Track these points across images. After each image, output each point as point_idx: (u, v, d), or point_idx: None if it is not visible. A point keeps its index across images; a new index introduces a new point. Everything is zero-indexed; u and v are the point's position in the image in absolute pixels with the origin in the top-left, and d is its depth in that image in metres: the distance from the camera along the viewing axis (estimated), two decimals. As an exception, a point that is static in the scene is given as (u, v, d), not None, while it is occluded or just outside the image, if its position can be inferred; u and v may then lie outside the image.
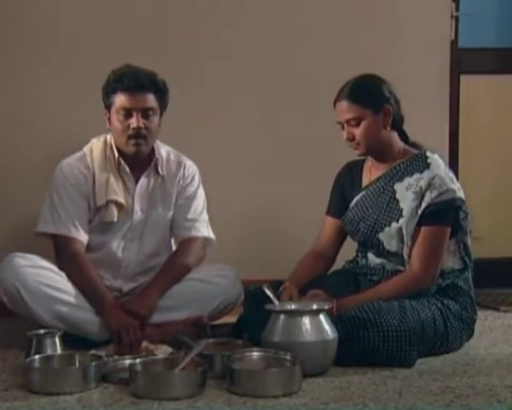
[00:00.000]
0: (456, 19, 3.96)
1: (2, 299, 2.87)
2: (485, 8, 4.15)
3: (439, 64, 3.87)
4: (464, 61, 4.02)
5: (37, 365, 2.46)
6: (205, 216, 3.15)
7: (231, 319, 3.00)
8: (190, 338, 2.66)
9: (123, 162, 3.02)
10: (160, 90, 2.99)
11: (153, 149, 3.05)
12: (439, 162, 2.87)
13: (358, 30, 3.78)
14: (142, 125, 2.92)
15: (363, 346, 2.59)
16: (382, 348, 2.60)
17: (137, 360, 2.44)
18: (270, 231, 3.75)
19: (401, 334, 2.61)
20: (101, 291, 2.90)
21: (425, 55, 3.84)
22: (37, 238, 3.02)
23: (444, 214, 2.80)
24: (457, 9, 3.95)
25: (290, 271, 2.97)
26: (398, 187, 2.87)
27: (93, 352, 2.59)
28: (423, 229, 2.80)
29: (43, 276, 2.86)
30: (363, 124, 2.84)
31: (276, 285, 2.80)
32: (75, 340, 2.79)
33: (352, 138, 2.86)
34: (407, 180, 2.85)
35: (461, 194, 2.84)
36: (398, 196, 2.86)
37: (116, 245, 3.04)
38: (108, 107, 2.98)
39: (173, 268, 3.00)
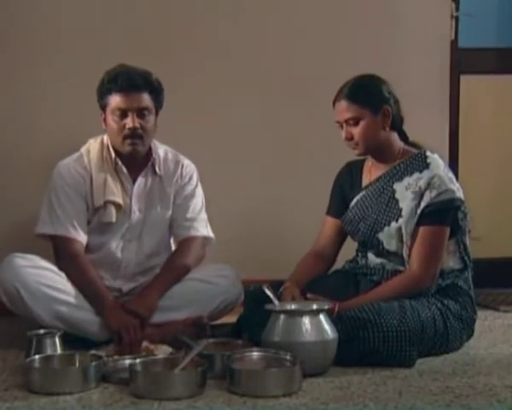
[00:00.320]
0: (456, 19, 3.96)
1: (2, 299, 2.87)
2: (485, 8, 4.15)
3: (439, 64, 3.87)
4: (464, 61, 4.02)
5: (37, 365, 2.46)
6: (204, 215, 3.15)
7: (231, 319, 3.00)
8: (190, 338, 2.66)
9: (120, 163, 3.02)
10: (155, 90, 2.99)
11: (150, 149, 3.05)
12: (438, 162, 2.87)
13: (358, 30, 3.78)
14: (137, 125, 2.92)
15: (363, 346, 2.60)
16: (382, 349, 2.60)
17: (137, 360, 2.44)
18: (270, 231, 3.75)
19: (401, 334, 2.61)
20: (101, 291, 2.90)
21: (425, 55, 3.83)
22: (37, 239, 3.02)
23: (443, 214, 2.80)
24: (457, 9, 3.95)
25: (290, 271, 2.97)
26: (398, 187, 2.87)
27: (93, 352, 2.59)
28: (422, 229, 2.80)
29: (42, 276, 2.86)
30: (361, 124, 2.84)
31: (276, 285, 2.80)
32: (75, 340, 2.79)
33: (350, 138, 2.86)
34: (407, 180, 2.85)
35: (460, 194, 2.84)
36: (397, 195, 2.86)
37: (115, 245, 3.04)
38: (103, 107, 2.98)
39: (173, 268, 3.00)
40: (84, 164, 3.04)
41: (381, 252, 2.90)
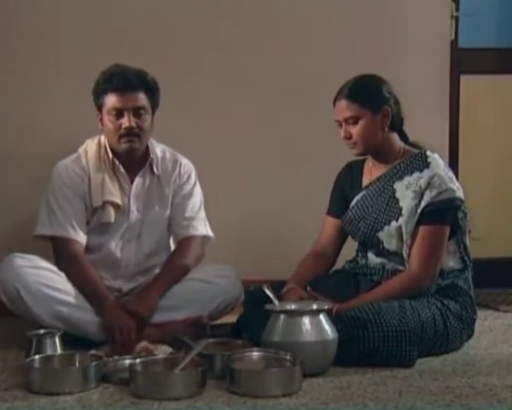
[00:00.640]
0: (456, 19, 3.96)
1: (2, 299, 2.87)
2: (485, 8, 4.15)
3: (439, 64, 3.87)
4: (464, 61, 4.02)
5: (37, 365, 2.46)
6: (202, 214, 3.15)
7: (231, 319, 3.00)
8: (190, 338, 2.66)
9: (117, 162, 3.02)
10: (151, 89, 2.99)
11: (147, 149, 3.05)
12: (438, 162, 2.87)
13: (358, 30, 3.77)
14: (134, 124, 2.92)
15: (363, 346, 2.60)
16: (382, 348, 2.60)
17: (137, 360, 2.44)
18: (270, 232, 3.75)
19: (401, 334, 2.61)
20: (102, 291, 2.90)
21: (425, 55, 3.83)
22: (37, 240, 3.01)
23: (443, 214, 2.80)
24: (457, 9, 3.95)
25: (290, 271, 2.97)
26: (398, 186, 2.87)
27: (93, 352, 2.59)
28: (422, 228, 2.80)
29: (42, 276, 2.86)
30: (360, 123, 2.84)
31: (276, 285, 2.80)
32: (75, 340, 2.78)
33: (349, 137, 2.87)
34: (407, 179, 2.86)
35: (460, 193, 2.84)
36: (397, 194, 2.86)
37: (114, 246, 3.04)
38: (100, 108, 2.99)
39: (172, 268, 3.00)
40: (81, 164, 3.04)
41: (381, 251, 2.90)
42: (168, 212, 3.10)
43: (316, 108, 3.64)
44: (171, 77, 3.50)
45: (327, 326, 2.54)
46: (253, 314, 2.80)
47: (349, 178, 3.04)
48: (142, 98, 2.96)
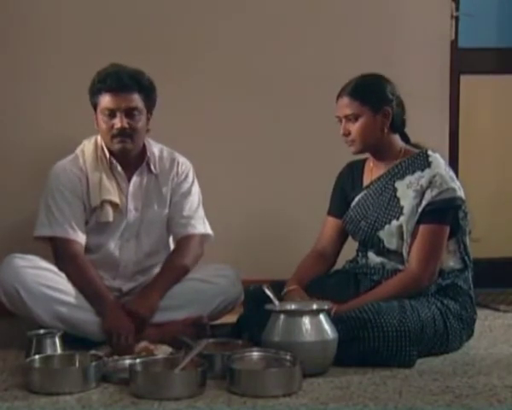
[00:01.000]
0: (456, 19, 3.95)
1: (1, 300, 2.87)
2: (485, 8, 4.15)
3: (439, 64, 3.87)
4: (464, 61, 4.02)
5: (37, 365, 2.46)
6: (201, 212, 3.14)
7: (231, 319, 3.00)
8: (190, 338, 2.67)
9: (115, 161, 3.02)
10: (146, 89, 2.99)
11: (144, 148, 3.05)
12: (440, 161, 2.87)
13: (358, 30, 3.77)
14: (126, 125, 2.92)
15: (363, 346, 2.60)
16: (382, 348, 2.60)
17: (137, 360, 2.45)
18: (270, 232, 3.75)
19: (401, 334, 2.61)
20: (102, 291, 2.90)
21: (425, 55, 3.83)
22: (36, 241, 3.01)
23: (443, 213, 2.80)
24: (457, 9, 3.95)
25: (290, 271, 2.97)
26: (399, 185, 2.87)
27: (93, 352, 2.59)
28: (422, 227, 2.80)
29: (42, 277, 2.85)
30: (360, 121, 2.85)
31: (276, 285, 2.80)
32: (75, 340, 2.78)
33: (347, 134, 2.87)
34: (408, 178, 2.86)
35: (461, 193, 2.84)
36: (398, 193, 2.86)
37: (113, 245, 3.04)
38: (95, 107, 2.99)
39: (172, 269, 2.99)
40: (79, 165, 3.04)
41: (382, 251, 2.90)
42: (166, 211, 3.10)
43: (316, 107, 3.64)
44: (171, 77, 3.50)
45: (327, 326, 2.54)
46: (253, 314, 2.80)
47: (350, 178, 3.04)
48: (135, 99, 2.95)
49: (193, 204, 3.12)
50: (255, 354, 2.51)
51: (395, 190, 2.87)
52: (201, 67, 3.64)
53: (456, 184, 2.84)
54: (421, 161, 2.87)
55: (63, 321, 2.83)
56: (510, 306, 3.66)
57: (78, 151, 3.09)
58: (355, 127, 2.86)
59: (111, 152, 3.01)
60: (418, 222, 2.81)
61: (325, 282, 2.94)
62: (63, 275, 2.91)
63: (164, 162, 3.11)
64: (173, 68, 3.58)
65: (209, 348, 2.58)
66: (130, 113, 2.94)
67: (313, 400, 2.28)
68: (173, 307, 2.91)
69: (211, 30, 3.66)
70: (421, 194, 2.81)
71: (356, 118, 2.85)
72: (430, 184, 2.80)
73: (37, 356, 2.50)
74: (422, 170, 2.84)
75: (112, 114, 2.93)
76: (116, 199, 2.99)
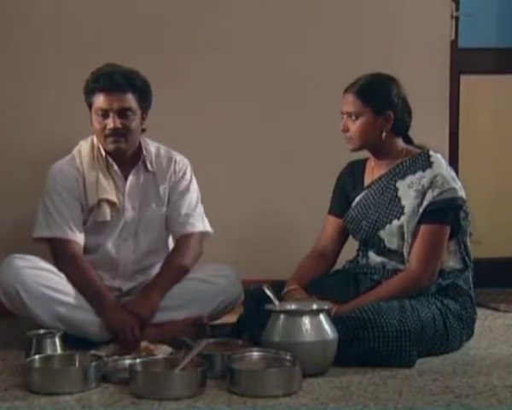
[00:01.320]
0: (456, 19, 3.95)
1: (1, 300, 2.87)
2: (485, 8, 4.15)
3: (439, 64, 3.87)
4: (464, 61, 4.02)
5: (37, 365, 2.46)
6: (200, 210, 3.14)
7: (231, 319, 3.00)
8: (190, 338, 2.67)
9: (111, 160, 3.02)
10: (139, 89, 2.99)
11: (140, 147, 3.05)
12: (441, 161, 2.87)
13: (358, 30, 3.77)
14: (118, 125, 2.92)
15: (363, 346, 2.60)
16: (382, 348, 2.60)
17: (137, 360, 2.45)
18: (271, 231, 3.75)
19: (401, 334, 2.61)
20: (102, 291, 2.90)
21: (425, 55, 3.83)
22: (35, 243, 3.01)
23: (444, 213, 2.80)
24: (457, 9, 3.95)
25: (290, 271, 2.97)
26: (401, 185, 2.87)
27: (93, 352, 2.59)
28: (423, 227, 2.80)
29: (42, 277, 2.86)
30: (360, 120, 2.85)
31: (276, 285, 2.80)
32: (75, 340, 2.79)
33: (346, 130, 2.88)
34: (409, 178, 2.86)
35: (462, 193, 2.84)
36: (399, 193, 2.86)
37: (111, 245, 3.04)
38: (90, 107, 3.00)
39: (172, 268, 2.99)
40: (76, 165, 3.04)
41: (382, 250, 2.90)
42: (165, 209, 3.10)
43: (316, 107, 3.64)
44: (170, 77, 3.51)
45: (327, 326, 2.54)
46: (253, 314, 2.80)
47: (350, 178, 3.04)
48: (129, 99, 2.95)
49: (191, 202, 3.12)
50: (255, 354, 2.51)
51: (396, 189, 2.87)
52: (201, 67, 3.64)
53: (458, 185, 2.84)
54: (422, 161, 2.87)
55: (63, 321, 2.83)
56: (510, 306, 3.66)
57: (74, 151, 3.09)
58: (355, 126, 2.86)
59: (107, 151, 3.01)
60: (419, 222, 2.81)
61: (325, 282, 2.94)
62: (63, 275, 2.91)
63: (161, 160, 3.11)
64: (173, 68, 3.58)
65: (209, 348, 2.58)
66: (123, 113, 2.94)
67: (313, 400, 2.28)
68: (173, 307, 2.91)
69: (211, 30, 3.66)
70: (423, 194, 2.81)
71: (357, 116, 2.85)
72: (431, 184, 2.80)
73: (37, 356, 2.50)
74: (424, 170, 2.84)
75: (105, 114, 2.94)
76: (113, 198, 2.99)
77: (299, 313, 2.54)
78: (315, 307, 2.59)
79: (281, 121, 3.72)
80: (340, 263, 3.06)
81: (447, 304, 2.81)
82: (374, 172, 2.97)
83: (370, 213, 2.91)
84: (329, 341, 2.53)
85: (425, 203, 2.80)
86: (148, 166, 3.07)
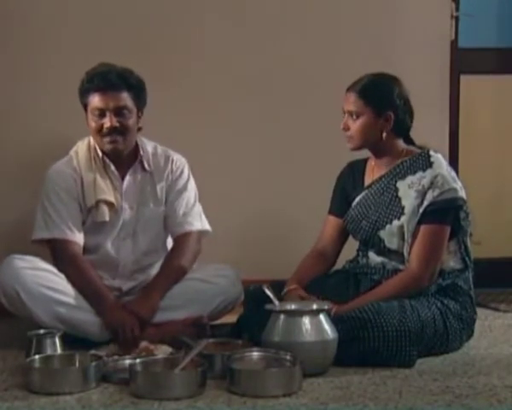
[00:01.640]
0: (456, 19, 3.96)
1: (1, 301, 2.87)
2: (485, 8, 4.15)
3: (439, 64, 3.87)
4: (464, 61, 4.02)
5: (37, 365, 2.46)
6: (197, 208, 3.13)
7: (231, 319, 3.00)
8: (190, 338, 2.67)
9: (107, 161, 3.02)
10: (134, 88, 2.99)
11: (137, 146, 3.05)
12: (441, 161, 2.87)
13: (358, 30, 3.77)
14: (116, 124, 2.93)
15: (363, 346, 2.60)
16: (382, 348, 2.60)
17: (137, 360, 2.44)
18: (271, 231, 3.75)
19: (401, 334, 2.61)
20: (102, 291, 2.91)
21: (425, 55, 3.83)
22: (34, 244, 3.01)
23: (445, 213, 2.80)
24: (457, 9, 3.95)
25: (290, 271, 2.97)
26: (401, 185, 2.87)
27: (93, 352, 2.59)
28: (423, 227, 2.80)
29: (42, 277, 2.86)
30: (360, 119, 2.85)
31: (276, 285, 2.80)
32: (75, 340, 2.79)
33: (346, 129, 2.88)
34: (410, 178, 2.86)
35: (462, 193, 2.84)
36: (400, 193, 2.86)
37: (111, 245, 3.04)
38: (85, 108, 3.00)
39: (171, 269, 2.99)
40: (73, 166, 3.04)
41: (382, 250, 2.90)
42: (163, 208, 3.10)
43: (316, 107, 3.64)
44: (170, 77, 3.51)
45: (327, 326, 2.54)
46: (253, 314, 2.80)
47: (351, 178, 3.04)
48: (124, 98, 2.96)
49: (189, 200, 3.12)
50: (255, 354, 2.51)
51: (396, 189, 2.87)
52: (201, 67, 3.64)
53: (458, 185, 2.84)
54: (422, 161, 2.87)
55: (63, 322, 2.83)
56: (510, 306, 3.66)
57: (71, 152, 3.10)
58: (355, 125, 2.86)
59: (103, 151, 3.01)
60: (419, 222, 2.81)
61: (325, 282, 2.94)
62: (63, 276, 2.91)
63: (158, 159, 3.11)
64: (173, 69, 3.58)
65: (209, 348, 2.58)
66: (119, 112, 2.94)
67: (313, 400, 2.28)
68: (173, 307, 2.91)
69: (211, 30, 3.66)
70: (423, 194, 2.81)
71: (357, 116, 2.85)
72: (432, 184, 2.80)
73: (37, 356, 2.50)
74: (424, 170, 2.84)
75: (101, 113, 2.94)
76: (111, 198, 2.99)
77: (299, 313, 2.54)
78: (315, 307, 2.59)
79: (281, 121, 3.72)
80: (340, 263, 3.06)
81: (447, 304, 2.81)
82: (374, 172, 2.97)
83: (370, 213, 2.91)
84: (329, 341, 2.53)
85: (425, 203, 2.80)
86: (145, 165, 3.07)
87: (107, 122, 2.93)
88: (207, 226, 3.14)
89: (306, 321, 2.52)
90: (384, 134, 2.86)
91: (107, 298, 2.89)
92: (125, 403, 2.27)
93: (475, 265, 2.96)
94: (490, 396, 2.31)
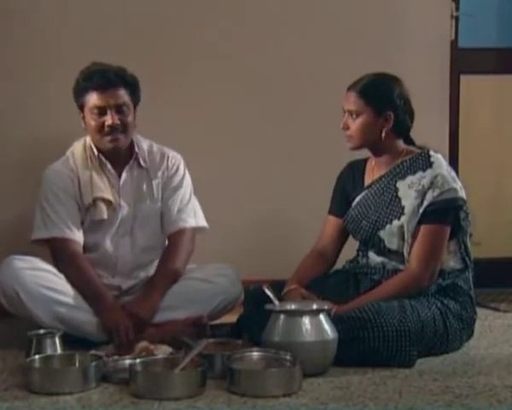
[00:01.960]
0: (456, 19, 3.96)
1: (1, 301, 2.87)
2: (485, 8, 4.15)
3: (439, 64, 3.87)
4: (464, 61, 4.02)
5: (37, 365, 2.46)
6: (191, 205, 3.13)
7: (231, 318, 3.00)
8: (190, 338, 2.66)
9: (104, 159, 3.02)
10: (130, 85, 3.00)
11: (132, 144, 3.06)
12: (441, 161, 2.87)
13: (358, 30, 3.77)
14: (117, 121, 2.93)
15: (363, 346, 2.60)
16: (382, 348, 2.60)
17: (137, 360, 2.44)
18: (271, 231, 3.75)
19: (401, 334, 2.61)
20: (101, 291, 2.90)
21: (425, 55, 3.83)
22: (33, 245, 3.01)
23: (445, 213, 2.80)
24: (457, 9, 3.95)
25: (290, 271, 2.97)
26: (401, 185, 2.87)
27: (93, 352, 2.59)
28: (423, 227, 2.80)
29: (41, 278, 2.86)
30: (360, 119, 2.85)
31: (276, 285, 2.80)
32: (75, 340, 2.79)
33: (346, 128, 2.88)
34: (410, 178, 2.86)
35: (462, 193, 2.84)
36: (400, 193, 2.86)
37: (109, 243, 3.05)
38: (81, 107, 3.00)
39: (168, 270, 2.98)
40: (70, 166, 3.05)
41: (382, 250, 2.90)
42: (159, 205, 3.10)
43: (316, 107, 3.64)
44: (170, 77, 3.51)
45: (327, 326, 2.54)
46: (253, 314, 2.80)
47: (351, 178, 3.04)
48: (123, 95, 2.96)
49: (184, 197, 3.11)
50: (255, 354, 2.51)
51: (396, 189, 2.87)
52: (201, 67, 3.64)
53: (458, 185, 2.84)
54: (422, 161, 2.87)
55: (62, 322, 2.83)
56: (510, 306, 3.66)
57: (68, 153, 3.10)
58: (355, 124, 2.86)
59: (99, 150, 3.02)
60: (419, 222, 2.81)
61: (325, 282, 2.94)
62: (62, 276, 2.91)
63: (154, 156, 3.11)
64: (173, 69, 3.58)
65: (209, 348, 2.58)
66: (119, 109, 2.95)
67: (313, 400, 2.28)
68: (173, 307, 2.91)
69: (211, 30, 3.66)
70: (423, 194, 2.81)
71: (357, 115, 2.86)
72: (432, 184, 2.80)
73: (37, 356, 2.50)
74: (424, 170, 2.84)
75: (102, 111, 2.94)
76: (109, 196, 3.00)
77: (299, 313, 2.54)
78: (315, 307, 2.59)
79: (281, 121, 3.72)
80: (340, 263, 3.06)
81: (447, 304, 2.81)
82: (374, 172, 2.98)
83: (370, 213, 2.91)
84: (329, 341, 2.53)
85: (425, 203, 2.80)
86: (141, 162, 3.07)
87: (108, 120, 2.93)
88: (203, 222, 3.14)
89: (306, 321, 2.52)
90: (383, 134, 2.86)
91: (106, 298, 2.89)
92: (125, 403, 2.27)
93: (475, 265, 2.96)
94: (490, 396, 2.31)
